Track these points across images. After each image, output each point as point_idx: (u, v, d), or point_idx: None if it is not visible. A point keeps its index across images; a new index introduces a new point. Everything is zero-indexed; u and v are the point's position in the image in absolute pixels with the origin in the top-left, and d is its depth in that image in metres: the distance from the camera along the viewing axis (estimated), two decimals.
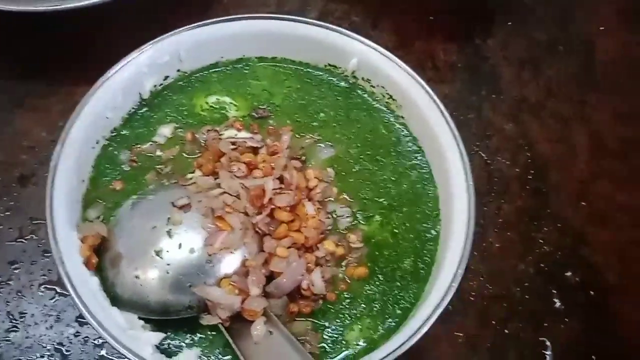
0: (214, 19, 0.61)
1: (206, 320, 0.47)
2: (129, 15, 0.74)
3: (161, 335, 0.48)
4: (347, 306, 0.52)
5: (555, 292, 0.65)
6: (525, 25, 0.84)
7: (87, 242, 0.49)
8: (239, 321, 0.48)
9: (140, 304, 0.48)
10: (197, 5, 0.81)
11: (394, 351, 0.46)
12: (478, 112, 0.76)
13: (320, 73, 0.64)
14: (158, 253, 0.48)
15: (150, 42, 0.58)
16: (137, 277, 0.48)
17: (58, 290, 0.60)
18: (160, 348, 0.48)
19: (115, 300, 0.48)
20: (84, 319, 0.57)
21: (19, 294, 0.60)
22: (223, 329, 0.47)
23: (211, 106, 0.62)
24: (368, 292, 0.53)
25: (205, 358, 0.49)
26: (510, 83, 0.78)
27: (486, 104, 0.77)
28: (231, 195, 0.51)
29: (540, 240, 0.67)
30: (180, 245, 0.49)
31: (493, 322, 0.63)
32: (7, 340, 0.58)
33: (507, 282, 0.65)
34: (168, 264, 0.48)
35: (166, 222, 0.49)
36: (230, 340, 0.47)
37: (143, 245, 0.49)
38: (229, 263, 0.49)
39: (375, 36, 0.60)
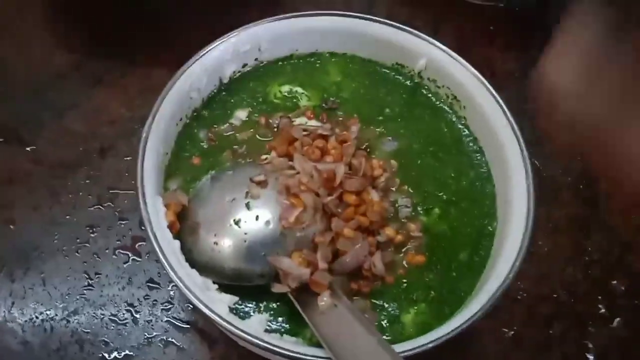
0: (292, 14, 0.65)
1: (277, 288, 0.51)
2: (203, 6, 0.78)
3: (235, 298, 0.51)
4: (405, 290, 0.55)
5: (600, 298, 0.67)
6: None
7: (171, 208, 0.53)
8: (305, 293, 0.51)
9: (216, 270, 0.52)
10: (268, 2, 0.85)
11: (445, 335, 0.48)
12: (532, 120, 0.78)
13: (388, 71, 0.68)
14: (237, 223, 0.52)
15: (236, 31, 0.62)
16: (215, 243, 0.52)
17: (131, 255, 0.64)
18: (232, 310, 0.51)
19: (193, 265, 0.52)
20: (155, 283, 0.63)
21: (95, 255, 0.64)
22: (292, 298, 0.51)
23: (284, 95, 0.65)
24: (425, 279, 0.56)
25: (271, 325, 0.52)
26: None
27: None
28: (305, 175, 0.54)
29: (589, 248, 0.70)
30: (257, 218, 0.52)
31: (538, 321, 0.65)
32: (83, 297, 0.62)
33: (554, 285, 0.67)
34: (245, 233, 0.52)
35: (244, 196, 0.53)
36: (299, 308, 0.50)
37: (222, 215, 0.53)
38: (301, 238, 0.52)
39: (437, 41, 0.63)
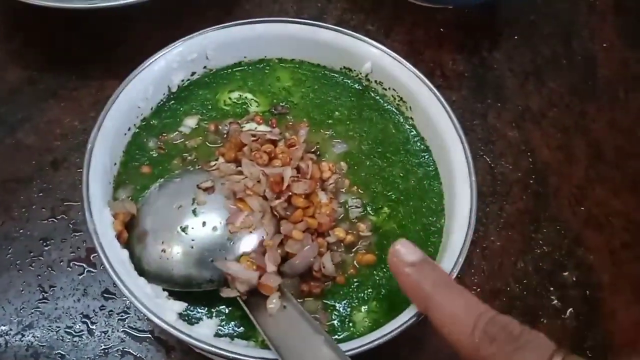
0: (239, 21, 0.66)
1: (226, 292, 0.51)
2: (154, 16, 0.79)
3: (184, 304, 0.52)
4: (356, 289, 0.56)
5: (552, 290, 0.68)
6: (530, 39, 0.89)
7: (119, 218, 0.53)
8: (255, 296, 0.52)
9: (165, 277, 0.52)
10: (221, 9, 0.85)
11: (392, 331, 0.49)
12: (483, 119, 0.80)
13: (336, 75, 0.69)
14: (184, 229, 0.52)
15: (181, 40, 0.63)
16: (163, 251, 0.52)
17: (85, 266, 0.64)
18: (182, 317, 0.52)
19: (142, 273, 0.52)
20: (110, 293, 0.63)
21: (50, 268, 0.64)
22: (241, 302, 0.51)
23: (234, 101, 0.66)
24: (375, 277, 0.57)
25: (222, 329, 0.53)
26: (514, 93, 0.83)
27: (491, 111, 0.81)
28: (252, 180, 0.55)
29: (540, 241, 0.71)
30: (204, 224, 0.53)
31: None
32: (38, 310, 0.62)
33: (506, 279, 0.69)
34: (193, 240, 0.52)
35: (191, 202, 0.54)
36: (248, 312, 0.50)
37: (169, 222, 0.53)
38: (248, 242, 0.53)
39: (388, 45, 0.64)
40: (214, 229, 0.53)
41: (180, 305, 0.51)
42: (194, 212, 0.53)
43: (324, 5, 0.88)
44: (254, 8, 0.86)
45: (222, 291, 0.52)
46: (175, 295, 0.53)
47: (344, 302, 0.56)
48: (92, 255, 0.65)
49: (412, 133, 0.65)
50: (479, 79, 0.84)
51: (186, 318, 0.52)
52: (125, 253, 0.52)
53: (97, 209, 0.52)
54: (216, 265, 0.51)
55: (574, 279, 0.69)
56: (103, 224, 0.52)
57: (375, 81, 0.67)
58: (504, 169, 0.76)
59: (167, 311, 0.49)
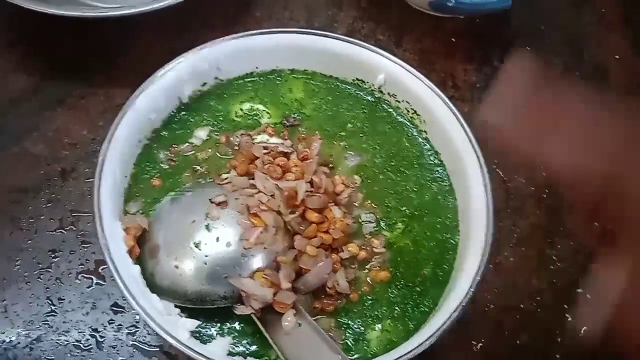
0: (251, 32, 0.65)
1: (240, 310, 0.50)
2: (161, 23, 0.78)
3: (196, 322, 0.51)
4: (370, 307, 0.55)
5: (566, 307, 0.67)
6: (542, 50, 0.88)
7: (130, 232, 0.53)
8: (268, 313, 0.51)
9: (178, 293, 0.51)
10: (230, 18, 0.85)
11: (409, 352, 0.48)
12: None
13: (349, 87, 0.68)
14: (197, 245, 0.52)
15: (191, 50, 0.62)
16: (176, 267, 0.51)
17: (94, 279, 0.63)
18: (194, 335, 0.51)
19: (154, 288, 0.51)
20: (119, 307, 0.62)
21: (58, 280, 0.63)
22: (256, 319, 0.50)
23: (245, 113, 0.65)
24: (390, 295, 0.56)
25: (235, 347, 0.52)
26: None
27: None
28: (266, 194, 0.54)
29: (553, 257, 0.70)
30: (217, 239, 0.52)
31: (506, 333, 0.65)
32: (46, 324, 0.61)
33: (520, 295, 0.67)
34: (206, 256, 0.51)
35: (204, 217, 0.53)
36: (263, 330, 0.49)
37: (182, 237, 0.52)
38: (262, 257, 0.52)
39: (399, 55, 0.63)
40: (228, 244, 0.52)
41: (192, 323, 0.51)
42: (207, 227, 0.52)
43: (334, 14, 0.87)
44: (264, 16, 0.85)
45: (236, 308, 0.51)
46: (186, 311, 0.52)
47: (358, 320, 0.55)
48: (101, 268, 0.64)
49: (425, 147, 0.65)
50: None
51: (198, 336, 0.51)
52: (136, 269, 0.51)
53: (108, 223, 0.51)
54: (231, 282, 0.50)
55: (589, 296, 0.68)
56: (114, 238, 0.51)
57: (389, 93, 0.66)
58: (517, 183, 0.75)
59: (179, 329, 0.48)
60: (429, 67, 0.84)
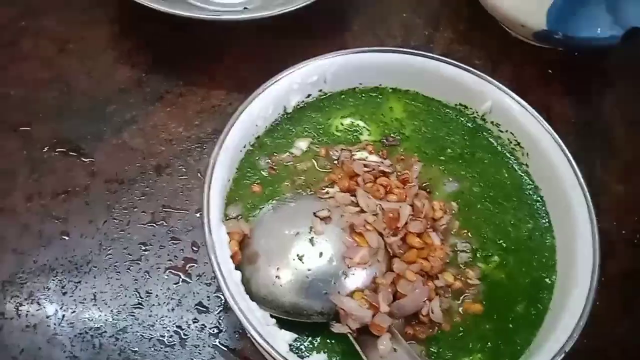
0: (358, 49, 0.65)
1: (337, 328, 0.50)
2: (262, 33, 0.79)
3: (293, 335, 0.51)
4: (460, 339, 0.54)
5: None
6: None
7: (234, 238, 0.53)
8: (364, 334, 0.50)
9: (274, 303, 0.51)
10: (327, 31, 0.85)
11: None
12: (589, 169, 0.77)
13: (450, 111, 0.67)
14: (300, 258, 0.52)
15: (304, 62, 0.62)
16: (277, 277, 0.51)
17: (182, 276, 0.64)
18: (291, 347, 0.51)
19: (250, 295, 0.51)
20: (204, 307, 0.62)
21: (147, 274, 0.64)
22: (353, 340, 0.50)
23: (345, 128, 0.65)
24: (481, 328, 0.55)
25: None
26: (624, 143, 0.80)
27: (598, 161, 0.78)
28: (371, 215, 0.53)
29: None
30: (321, 254, 0.52)
31: None
32: (132, 315, 0.62)
33: (604, 341, 0.65)
34: (309, 270, 0.51)
35: (309, 230, 0.53)
36: (361, 352, 0.49)
37: (284, 248, 0.52)
38: (361, 277, 0.52)
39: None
40: (330, 260, 0.52)
41: (290, 336, 0.50)
42: (311, 241, 0.52)
43: (431, 34, 0.87)
44: (363, 30, 0.85)
45: (332, 325, 0.50)
46: (279, 323, 0.52)
47: (449, 350, 0.54)
48: (188, 266, 0.65)
49: (525, 180, 0.63)
50: (586, 125, 0.81)
51: (294, 349, 0.51)
52: (238, 274, 0.51)
53: (215, 227, 0.51)
54: (331, 299, 0.50)
55: None
56: (219, 242, 0.51)
57: (492, 122, 0.65)
58: (608, 225, 0.73)
59: (278, 340, 0.48)
60: (524, 97, 0.82)
